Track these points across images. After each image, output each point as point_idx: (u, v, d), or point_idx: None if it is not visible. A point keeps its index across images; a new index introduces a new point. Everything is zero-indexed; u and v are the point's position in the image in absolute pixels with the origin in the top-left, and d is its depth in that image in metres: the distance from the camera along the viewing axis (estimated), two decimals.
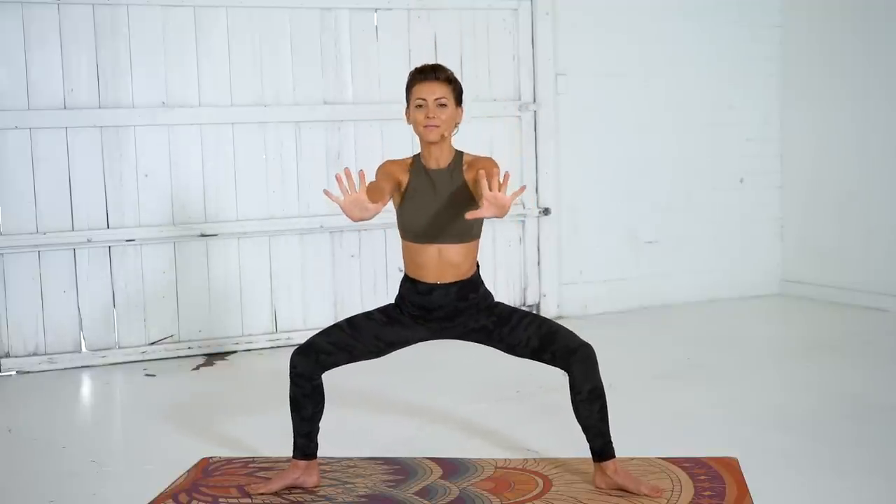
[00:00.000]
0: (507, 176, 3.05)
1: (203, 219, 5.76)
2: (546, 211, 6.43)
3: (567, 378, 3.38)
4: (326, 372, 3.46)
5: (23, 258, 5.43)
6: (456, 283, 3.42)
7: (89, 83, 5.51)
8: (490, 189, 3.02)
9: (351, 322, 3.48)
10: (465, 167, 3.43)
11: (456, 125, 3.45)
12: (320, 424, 3.50)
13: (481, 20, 6.27)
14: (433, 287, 3.42)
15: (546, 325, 3.43)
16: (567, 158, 6.50)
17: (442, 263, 3.40)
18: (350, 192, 3.08)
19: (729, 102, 6.89)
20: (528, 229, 6.43)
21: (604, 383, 3.39)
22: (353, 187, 3.08)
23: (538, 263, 6.46)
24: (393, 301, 3.56)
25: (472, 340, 3.53)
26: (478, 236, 3.47)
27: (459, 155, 3.46)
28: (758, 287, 7.03)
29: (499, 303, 3.53)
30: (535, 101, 6.38)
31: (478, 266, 3.52)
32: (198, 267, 5.76)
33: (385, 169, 3.45)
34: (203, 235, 5.74)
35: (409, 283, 3.47)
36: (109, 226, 5.58)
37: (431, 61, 6.05)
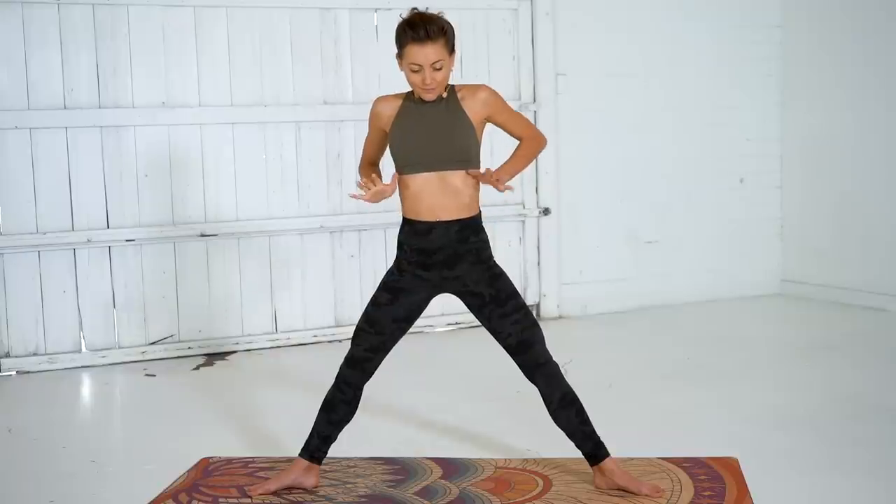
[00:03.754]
0: (488, 173, 3.33)
1: (203, 219, 5.76)
2: (546, 211, 6.43)
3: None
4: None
5: (23, 258, 5.43)
6: (456, 221, 3.37)
7: (89, 83, 5.51)
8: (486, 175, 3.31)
9: (369, 320, 3.46)
10: (459, 94, 3.39)
11: (451, 70, 3.38)
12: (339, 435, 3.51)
13: (481, 20, 6.27)
14: (432, 225, 3.37)
15: (529, 332, 3.41)
16: (567, 158, 6.50)
17: (441, 192, 3.34)
18: (371, 187, 3.32)
19: (729, 102, 6.89)
20: (528, 229, 6.44)
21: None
22: (371, 186, 3.33)
23: (538, 263, 6.46)
24: (392, 264, 3.52)
25: (467, 303, 3.48)
26: (477, 164, 3.39)
27: (451, 86, 3.41)
28: (758, 287, 7.03)
29: (503, 274, 3.46)
30: (535, 101, 6.38)
31: (480, 210, 3.46)
32: (198, 267, 5.76)
33: (374, 118, 3.48)
34: (203, 235, 5.74)
35: (407, 226, 3.42)
36: (109, 226, 5.59)
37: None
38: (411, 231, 3.40)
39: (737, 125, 6.94)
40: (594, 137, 6.57)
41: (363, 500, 3.40)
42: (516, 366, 3.47)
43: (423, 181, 3.35)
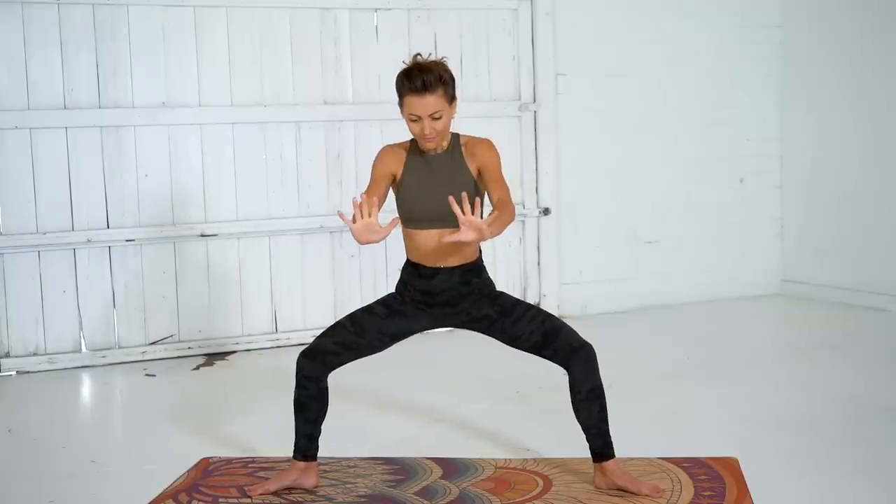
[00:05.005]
0: (477, 202, 3.14)
1: (203, 219, 5.76)
2: (546, 211, 6.43)
3: (566, 377, 3.38)
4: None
5: (23, 258, 5.43)
6: (459, 266, 3.41)
7: (89, 83, 5.51)
8: (463, 213, 3.09)
9: (353, 319, 3.47)
10: (463, 149, 3.42)
11: (452, 118, 3.39)
12: (322, 426, 3.50)
13: (481, 20, 6.27)
14: (436, 271, 3.40)
15: (549, 321, 3.42)
16: (567, 158, 6.50)
17: (444, 248, 3.37)
18: (363, 217, 3.12)
19: (729, 102, 6.89)
20: (528, 229, 6.43)
21: (604, 383, 3.39)
22: (366, 213, 3.12)
23: (538, 263, 6.46)
24: (394, 289, 3.55)
25: (473, 329, 3.51)
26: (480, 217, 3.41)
27: (456, 137, 3.44)
28: (758, 287, 7.03)
29: (502, 293, 3.51)
30: (535, 101, 6.38)
31: (480, 251, 3.50)
32: (198, 267, 5.76)
33: (380, 165, 3.43)
34: (203, 235, 5.74)
35: (411, 267, 3.45)
36: (109, 226, 5.59)
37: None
38: (415, 273, 3.44)
39: (737, 125, 6.94)
40: (594, 137, 6.57)
41: (363, 500, 3.40)
42: (547, 360, 3.41)
43: (427, 235, 3.38)
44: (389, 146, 3.50)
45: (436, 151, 3.41)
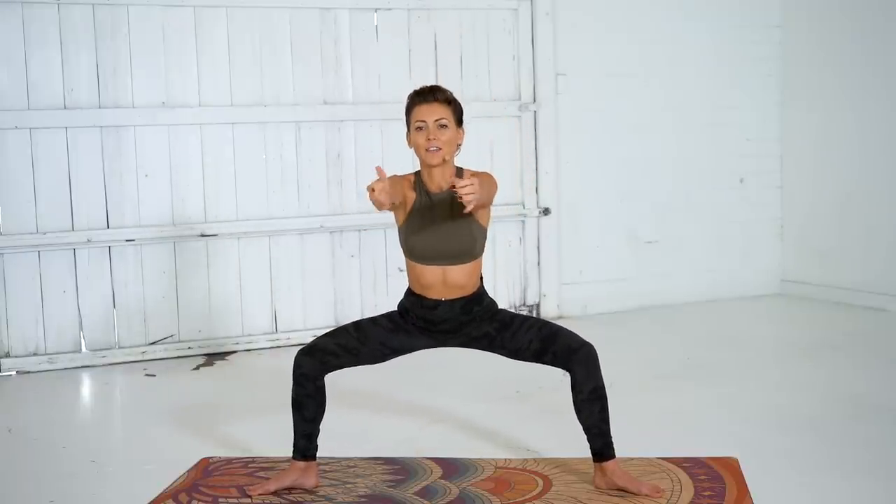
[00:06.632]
0: (468, 177, 3.25)
1: (203, 219, 5.76)
2: (546, 211, 6.43)
3: (568, 377, 3.39)
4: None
5: (23, 258, 5.43)
6: (460, 298, 3.44)
7: (89, 83, 5.51)
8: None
9: (357, 326, 3.49)
10: None
11: (458, 146, 3.44)
12: (321, 426, 3.50)
13: (481, 20, 6.27)
14: (438, 302, 3.43)
15: (547, 327, 3.44)
16: (567, 158, 6.50)
17: (446, 283, 3.41)
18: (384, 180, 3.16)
19: (729, 102, 6.89)
20: (528, 229, 6.43)
21: (607, 383, 3.39)
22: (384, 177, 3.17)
23: (538, 263, 6.46)
24: (396, 308, 3.56)
25: (475, 348, 3.54)
26: (481, 255, 3.47)
27: (460, 172, 3.46)
28: (758, 287, 7.03)
29: (501, 309, 3.54)
30: (535, 101, 6.38)
31: (482, 279, 3.53)
32: (198, 267, 5.76)
33: (391, 180, 3.43)
34: (203, 235, 5.74)
35: (413, 296, 3.48)
36: (109, 226, 5.59)
37: (431, 67, 6.12)
38: (417, 303, 3.46)
39: (737, 125, 6.94)
40: (594, 137, 6.57)
41: (363, 500, 3.40)
42: (549, 366, 3.43)
43: (428, 271, 3.41)
44: (396, 176, 3.48)
45: (441, 189, 3.41)
